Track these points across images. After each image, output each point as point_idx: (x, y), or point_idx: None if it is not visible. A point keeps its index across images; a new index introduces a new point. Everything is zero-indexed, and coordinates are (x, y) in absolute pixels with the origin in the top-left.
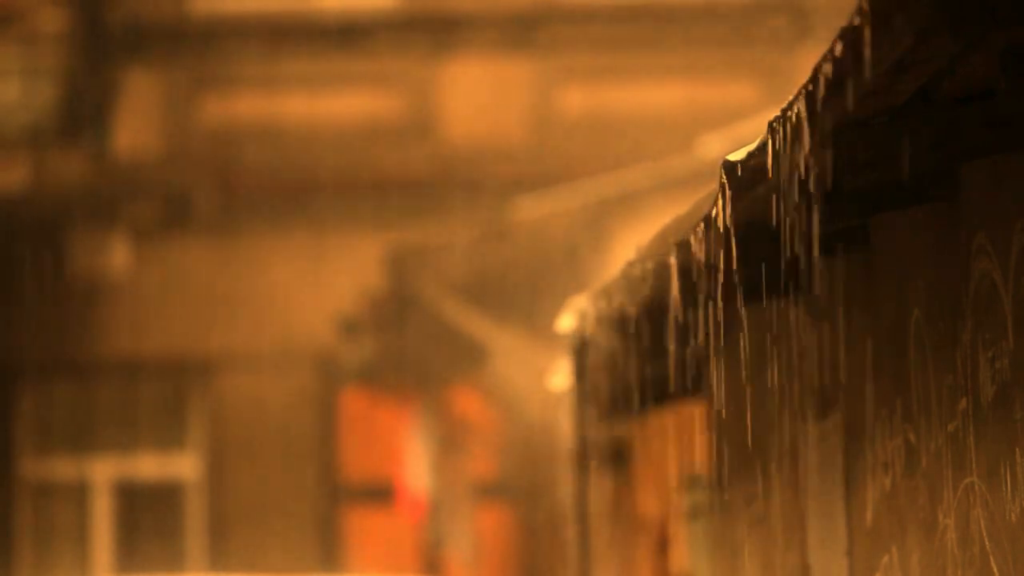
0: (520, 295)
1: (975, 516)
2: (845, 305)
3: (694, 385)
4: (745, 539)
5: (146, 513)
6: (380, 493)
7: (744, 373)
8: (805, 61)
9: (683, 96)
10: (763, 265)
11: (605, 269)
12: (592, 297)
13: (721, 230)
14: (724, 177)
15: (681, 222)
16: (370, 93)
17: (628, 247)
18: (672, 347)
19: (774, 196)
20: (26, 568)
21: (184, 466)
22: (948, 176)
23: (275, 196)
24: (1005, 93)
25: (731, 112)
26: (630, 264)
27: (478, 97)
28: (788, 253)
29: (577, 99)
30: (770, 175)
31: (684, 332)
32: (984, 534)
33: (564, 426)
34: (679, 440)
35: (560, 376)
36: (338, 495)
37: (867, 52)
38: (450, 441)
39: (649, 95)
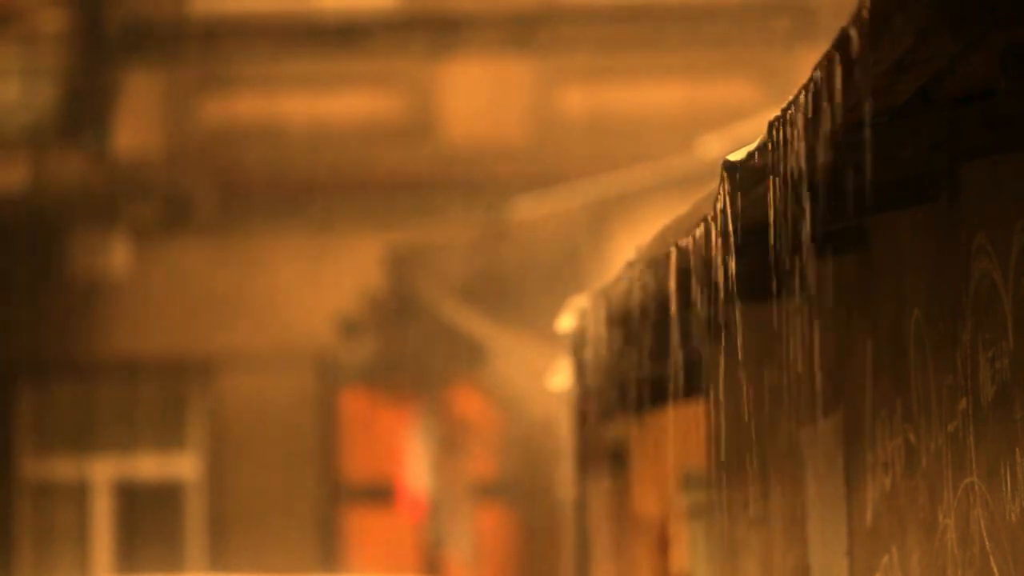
0: (520, 295)
1: (975, 516)
2: (845, 305)
3: (694, 385)
4: (745, 539)
5: (146, 513)
6: (380, 493)
7: (743, 373)
8: (805, 61)
9: (683, 96)
10: (763, 265)
11: (605, 269)
12: (592, 297)
13: (721, 230)
14: (724, 177)
15: (681, 222)
16: (370, 93)
17: (628, 247)
18: (672, 347)
19: (774, 196)
20: (26, 568)
21: (184, 466)
22: (948, 176)
23: (275, 196)
24: (1005, 93)
25: (731, 112)
26: (630, 264)
27: (478, 97)
28: (788, 253)
29: (577, 99)
30: (770, 175)
31: (684, 332)
32: (984, 534)
33: (564, 426)
34: (678, 440)
35: (560, 376)
36: (338, 495)
37: (867, 52)
38: (450, 441)
39: (649, 95)
